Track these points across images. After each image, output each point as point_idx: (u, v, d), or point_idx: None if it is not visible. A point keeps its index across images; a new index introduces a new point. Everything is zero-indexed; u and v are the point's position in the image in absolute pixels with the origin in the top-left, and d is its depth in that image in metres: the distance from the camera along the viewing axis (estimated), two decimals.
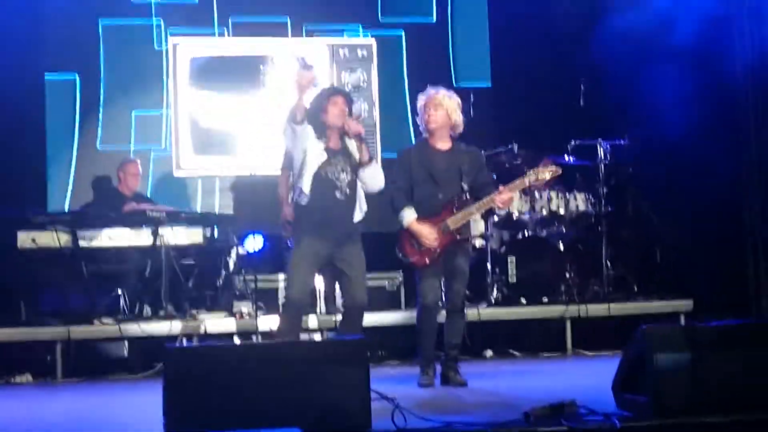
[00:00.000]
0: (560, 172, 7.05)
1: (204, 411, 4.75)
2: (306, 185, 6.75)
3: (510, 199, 7.05)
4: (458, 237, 6.93)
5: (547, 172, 6.96)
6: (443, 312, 7.05)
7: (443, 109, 6.97)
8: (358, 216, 6.92)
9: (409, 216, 6.89)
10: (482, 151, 7.44)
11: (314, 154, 6.77)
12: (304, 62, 6.85)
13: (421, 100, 7.10)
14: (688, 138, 9.31)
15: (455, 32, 11.12)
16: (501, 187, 6.91)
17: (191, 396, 4.78)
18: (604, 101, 9.95)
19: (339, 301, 8.13)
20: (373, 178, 6.93)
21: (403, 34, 11.00)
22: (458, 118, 7.05)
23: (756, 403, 4.97)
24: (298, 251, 6.82)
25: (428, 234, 6.86)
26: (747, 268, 9.28)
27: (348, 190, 6.82)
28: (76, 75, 10.41)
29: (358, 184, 6.90)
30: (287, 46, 10.69)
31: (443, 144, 7.05)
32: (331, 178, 6.78)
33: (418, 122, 7.16)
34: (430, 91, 7.10)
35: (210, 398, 4.77)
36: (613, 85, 9.80)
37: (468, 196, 6.93)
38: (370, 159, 6.93)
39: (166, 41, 10.50)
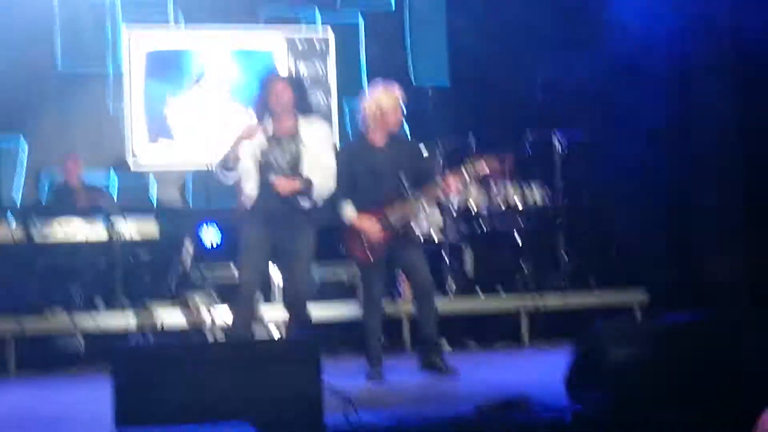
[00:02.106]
0: (490, 165, 7.06)
1: (154, 407, 4.73)
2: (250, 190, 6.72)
3: (449, 189, 7.06)
4: (402, 231, 6.95)
5: (480, 163, 6.99)
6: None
7: (387, 109, 6.94)
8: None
9: (351, 213, 6.90)
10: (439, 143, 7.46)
11: (251, 163, 6.70)
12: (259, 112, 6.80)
13: (365, 99, 7.08)
14: (645, 132, 9.34)
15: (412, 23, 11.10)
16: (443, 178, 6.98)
17: (141, 393, 4.77)
18: (562, 94, 9.96)
19: None
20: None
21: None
22: (400, 115, 7.04)
23: (707, 397, 4.99)
24: (242, 239, 6.78)
25: (372, 229, 6.86)
26: (702, 262, 9.34)
27: (289, 170, 6.69)
28: None
29: (305, 161, 6.69)
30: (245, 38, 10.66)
31: (382, 139, 7.03)
32: (271, 162, 6.69)
33: (359, 119, 7.13)
34: (373, 90, 7.07)
35: (160, 395, 4.75)
36: (572, 78, 9.80)
37: (409, 190, 6.92)
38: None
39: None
